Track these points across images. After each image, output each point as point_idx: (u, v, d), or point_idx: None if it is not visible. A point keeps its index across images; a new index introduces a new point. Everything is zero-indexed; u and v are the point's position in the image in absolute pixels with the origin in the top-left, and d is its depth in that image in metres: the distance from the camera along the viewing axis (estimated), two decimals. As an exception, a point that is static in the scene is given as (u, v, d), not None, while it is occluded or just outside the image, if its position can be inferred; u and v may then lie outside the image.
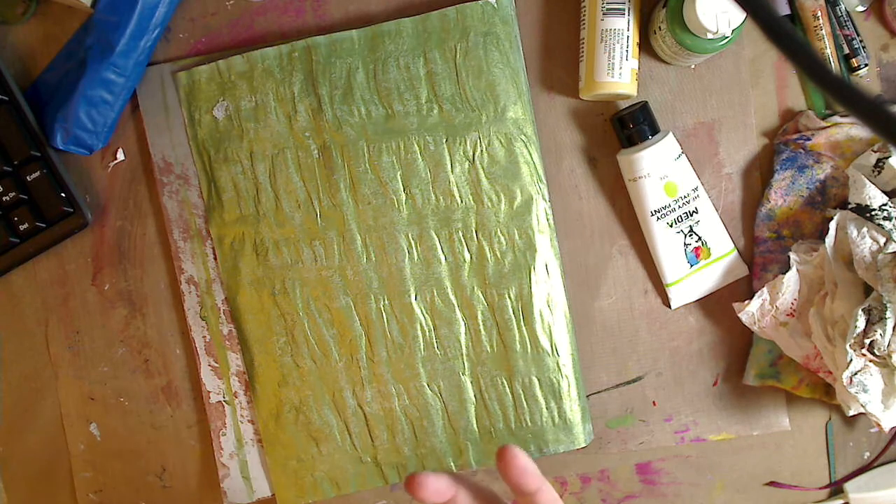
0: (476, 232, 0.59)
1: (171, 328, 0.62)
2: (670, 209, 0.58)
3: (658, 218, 0.58)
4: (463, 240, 0.59)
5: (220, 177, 0.59)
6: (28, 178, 0.58)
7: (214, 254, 0.60)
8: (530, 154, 0.58)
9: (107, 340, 0.62)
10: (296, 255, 0.59)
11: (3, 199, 0.58)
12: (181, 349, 0.62)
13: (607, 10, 0.55)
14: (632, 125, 0.57)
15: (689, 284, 0.59)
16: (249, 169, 0.59)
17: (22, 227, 0.59)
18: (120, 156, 0.61)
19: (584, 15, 0.57)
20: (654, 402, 0.61)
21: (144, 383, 0.62)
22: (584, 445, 0.60)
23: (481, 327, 0.59)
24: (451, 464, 0.60)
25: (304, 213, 0.59)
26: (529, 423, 0.59)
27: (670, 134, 0.57)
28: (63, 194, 0.59)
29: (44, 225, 0.59)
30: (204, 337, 0.61)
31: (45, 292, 0.62)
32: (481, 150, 0.58)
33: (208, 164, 0.59)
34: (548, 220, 0.59)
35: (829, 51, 0.57)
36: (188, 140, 0.60)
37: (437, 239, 0.59)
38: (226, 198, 0.59)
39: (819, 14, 0.57)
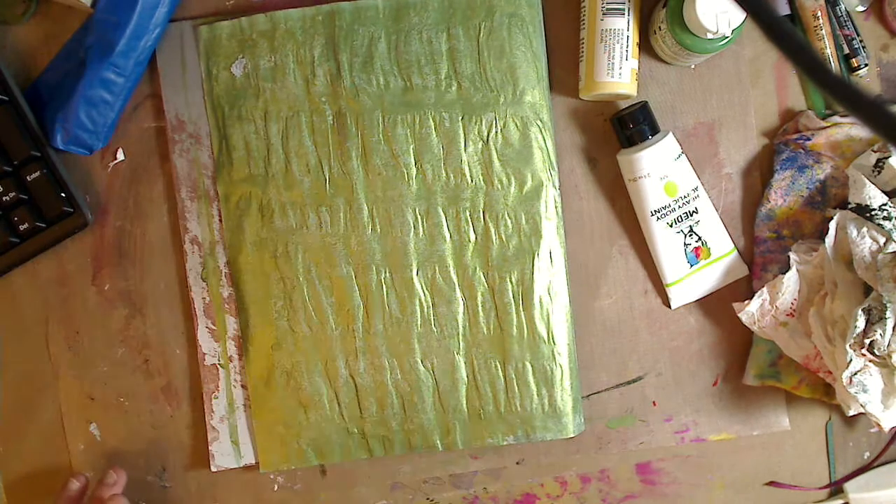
0: (483, 213, 0.59)
1: (171, 328, 0.62)
2: (670, 209, 0.58)
3: (658, 218, 0.58)
4: (469, 219, 0.59)
5: (233, 135, 0.59)
6: (28, 178, 0.58)
7: (220, 216, 0.60)
8: (545, 140, 0.58)
9: (107, 340, 0.62)
10: (301, 219, 0.59)
11: (3, 199, 0.58)
12: (181, 349, 0.62)
13: (607, 10, 0.55)
14: (632, 125, 0.57)
15: (689, 284, 0.59)
16: (262, 129, 0.59)
17: (22, 227, 0.59)
18: (120, 156, 0.61)
19: (584, 15, 0.57)
20: (654, 403, 0.61)
21: (144, 383, 0.62)
22: (572, 436, 0.60)
23: (480, 309, 0.59)
24: (438, 442, 0.60)
25: (313, 177, 0.59)
26: (519, 409, 0.59)
27: (670, 134, 0.57)
28: (63, 194, 0.59)
29: (44, 225, 0.59)
30: (203, 298, 0.61)
31: (45, 292, 0.62)
32: (496, 132, 0.58)
33: (221, 121, 0.59)
34: (556, 208, 0.59)
35: (829, 51, 0.57)
36: (203, 96, 0.60)
37: (443, 216, 0.59)
38: (236, 156, 0.59)
39: (819, 14, 0.57)
